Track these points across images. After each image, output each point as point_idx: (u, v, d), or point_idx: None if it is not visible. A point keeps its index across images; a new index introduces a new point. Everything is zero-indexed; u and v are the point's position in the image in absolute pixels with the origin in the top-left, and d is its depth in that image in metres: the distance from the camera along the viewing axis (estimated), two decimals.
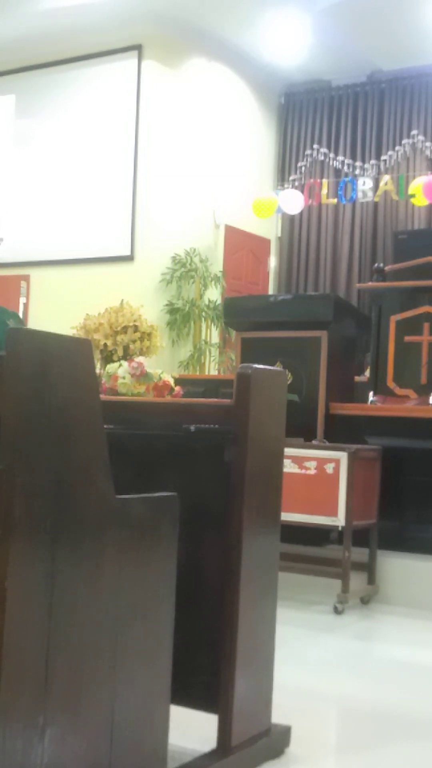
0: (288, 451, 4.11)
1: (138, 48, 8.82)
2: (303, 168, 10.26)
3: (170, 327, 8.77)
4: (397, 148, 9.73)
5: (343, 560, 4.31)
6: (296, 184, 10.03)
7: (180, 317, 8.82)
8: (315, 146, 10.22)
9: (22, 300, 9.26)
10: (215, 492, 2.31)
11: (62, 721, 1.74)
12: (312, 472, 4.36)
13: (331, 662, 3.62)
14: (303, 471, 4.37)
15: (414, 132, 9.67)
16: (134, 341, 6.31)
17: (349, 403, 5.16)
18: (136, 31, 8.72)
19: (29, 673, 1.68)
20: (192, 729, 2.34)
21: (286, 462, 4.27)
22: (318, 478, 4.35)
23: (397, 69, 9.65)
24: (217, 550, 2.31)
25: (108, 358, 6.20)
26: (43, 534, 1.70)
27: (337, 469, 4.31)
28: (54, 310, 8.60)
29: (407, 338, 5.12)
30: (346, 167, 9.97)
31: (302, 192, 8.88)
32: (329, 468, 4.33)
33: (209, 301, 8.98)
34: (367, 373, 5.73)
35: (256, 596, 2.36)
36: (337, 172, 9.96)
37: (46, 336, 1.73)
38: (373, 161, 9.84)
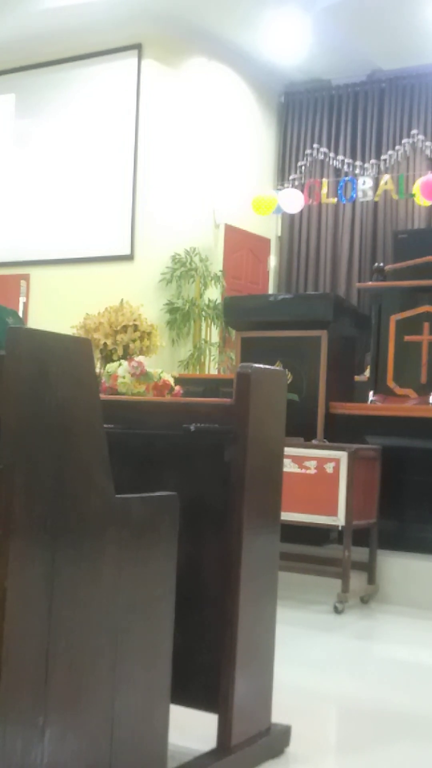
0: (288, 450, 4.11)
1: (138, 47, 8.82)
2: (303, 167, 10.26)
3: (170, 326, 8.77)
4: (397, 147, 9.74)
5: (343, 560, 4.31)
6: (296, 183, 10.03)
7: (180, 317, 8.82)
8: (315, 146, 10.22)
9: (22, 299, 9.26)
10: (215, 492, 2.31)
11: (62, 721, 1.74)
12: (312, 471, 4.36)
13: (331, 662, 3.62)
14: (303, 471, 4.37)
15: (414, 131, 9.67)
16: (134, 340, 6.31)
17: (349, 402, 5.15)
18: (135, 31, 8.73)
19: (29, 673, 1.68)
20: (192, 729, 2.34)
21: (286, 462, 4.27)
22: (318, 477, 4.35)
23: (397, 69, 9.66)
24: (217, 549, 2.31)
25: (108, 358, 6.20)
26: (43, 534, 1.69)
27: (337, 469, 4.31)
28: (54, 309, 8.61)
29: (407, 338, 5.12)
30: (346, 167, 9.98)
31: (302, 191, 8.89)
32: (329, 468, 4.33)
33: (209, 300, 8.98)
34: (367, 372, 5.73)
35: (256, 596, 2.35)
36: (337, 172, 9.96)
37: (46, 335, 1.72)
38: (373, 161, 9.84)
